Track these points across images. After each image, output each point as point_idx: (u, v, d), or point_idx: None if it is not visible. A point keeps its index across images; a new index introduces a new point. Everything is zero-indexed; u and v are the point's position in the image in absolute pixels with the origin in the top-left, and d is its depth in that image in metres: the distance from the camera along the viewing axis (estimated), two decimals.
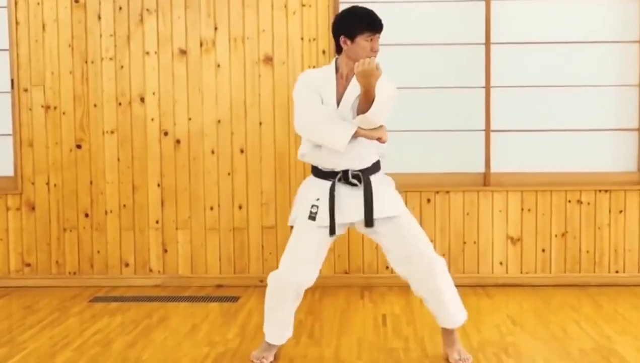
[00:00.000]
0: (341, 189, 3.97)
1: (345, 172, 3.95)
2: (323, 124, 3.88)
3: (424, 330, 4.66)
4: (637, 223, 5.75)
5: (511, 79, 5.82)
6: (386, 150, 4.07)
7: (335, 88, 3.96)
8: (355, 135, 3.84)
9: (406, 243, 3.98)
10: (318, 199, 3.98)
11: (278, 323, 4.10)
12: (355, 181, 3.95)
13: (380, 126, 3.87)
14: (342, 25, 3.93)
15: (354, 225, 4.07)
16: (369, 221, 3.94)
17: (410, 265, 4.00)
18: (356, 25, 3.88)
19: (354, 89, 3.91)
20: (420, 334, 4.59)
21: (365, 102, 3.80)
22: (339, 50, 3.98)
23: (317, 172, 4.06)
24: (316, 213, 3.96)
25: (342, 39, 3.91)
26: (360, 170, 3.96)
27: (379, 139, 3.87)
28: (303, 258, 3.99)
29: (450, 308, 4.07)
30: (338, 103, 3.93)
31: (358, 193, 3.96)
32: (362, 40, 3.88)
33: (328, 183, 3.98)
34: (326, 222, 3.95)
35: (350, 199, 3.96)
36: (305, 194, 4.06)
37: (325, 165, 4.01)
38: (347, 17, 3.94)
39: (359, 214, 3.96)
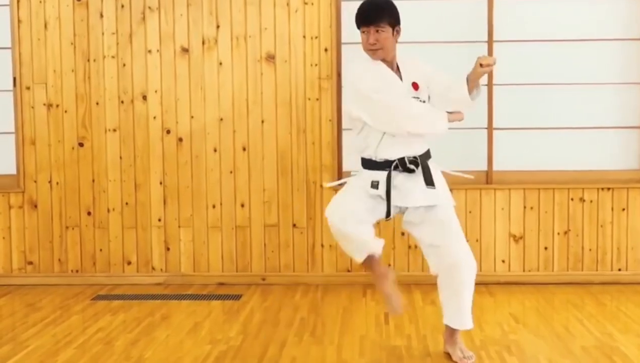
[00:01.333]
0: (398, 176, 3.91)
1: (402, 159, 3.91)
2: (421, 113, 3.90)
3: (426, 328, 4.66)
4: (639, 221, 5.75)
5: (514, 77, 5.81)
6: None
7: (397, 78, 3.97)
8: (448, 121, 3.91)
9: (445, 235, 3.97)
10: (377, 182, 3.91)
11: (360, 243, 3.95)
12: (412, 166, 3.91)
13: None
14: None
15: (404, 212, 4.02)
16: (429, 183, 3.91)
17: (442, 259, 3.98)
18: (355, 20, 3.95)
19: (407, 78, 3.97)
20: (423, 332, 4.58)
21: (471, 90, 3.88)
22: None
23: (370, 164, 3.96)
24: (377, 185, 3.89)
25: None
26: (416, 156, 3.94)
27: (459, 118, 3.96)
28: (351, 202, 3.92)
29: (463, 310, 4.05)
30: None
31: (415, 180, 3.92)
32: (361, 34, 3.93)
33: (384, 173, 3.91)
34: (384, 203, 3.90)
35: (409, 185, 3.92)
36: (361, 179, 3.98)
37: (381, 155, 3.94)
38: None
39: (420, 199, 3.92)
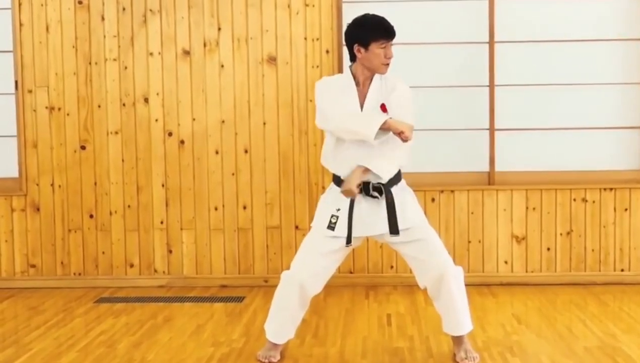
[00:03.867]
0: (362, 202, 3.95)
1: (366, 184, 3.93)
2: (353, 114, 3.91)
3: (428, 329, 4.66)
4: None
5: (515, 78, 5.81)
6: (407, 161, 4.05)
7: (357, 95, 3.97)
8: (384, 126, 3.80)
9: (423, 251, 3.99)
10: (339, 210, 3.97)
11: (279, 322, 4.12)
12: (376, 193, 3.93)
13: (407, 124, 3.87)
14: (355, 33, 3.95)
15: (374, 237, 4.09)
16: (394, 232, 3.93)
17: (427, 272, 4.01)
18: (370, 33, 3.90)
19: (374, 97, 3.95)
20: (425, 334, 4.58)
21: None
22: (352, 58, 4.00)
23: (338, 182, 4.01)
24: (335, 223, 3.96)
25: (356, 47, 3.93)
26: (380, 183, 3.95)
27: (400, 134, 3.80)
28: (312, 266, 4.02)
29: (459, 317, 4.05)
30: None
31: (379, 206, 3.95)
32: (375, 48, 3.90)
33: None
34: (344, 233, 3.95)
35: (371, 213, 3.95)
36: (327, 202, 4.05)
37: (347, 174, 3.96)
38: (360, 25, 3.96)
39: (382, 227, 3.95)
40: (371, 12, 4.05)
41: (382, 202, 3.94)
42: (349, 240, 3.95)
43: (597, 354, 4.16)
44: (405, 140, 3.83)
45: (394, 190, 3.97)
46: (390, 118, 3.84)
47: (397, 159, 3.97)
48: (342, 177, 3.97)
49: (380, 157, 3.90)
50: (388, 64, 3.96)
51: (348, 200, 3.93)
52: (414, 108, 3.99)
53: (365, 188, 3.93)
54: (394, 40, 3.96)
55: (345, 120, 3.89)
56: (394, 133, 3.83)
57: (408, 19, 5.80)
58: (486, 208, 5.79)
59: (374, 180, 3.93)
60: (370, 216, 3.96)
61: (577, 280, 5.76)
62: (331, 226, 3.96)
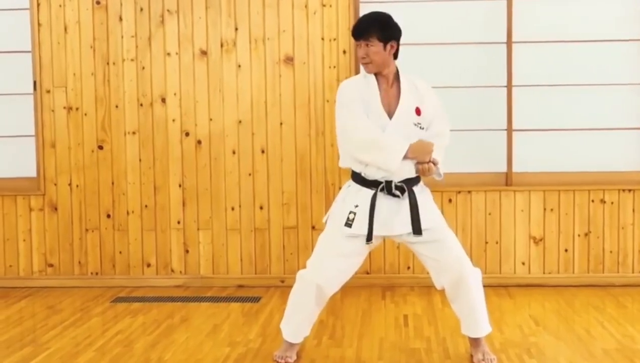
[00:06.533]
0: (383, 200, 3.93)
1: (389, 182, 3.91)
2: (374, 142, 3.87)
3: (445, 330, 4.64)
4: None
5: (533, 78, 5.79)
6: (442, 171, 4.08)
7: (379, 98, 3.95)
8: (406, 156, 3.86)
9: (441, 252, 3.97)
10: (357, 206, 3.93)
11: (296, 322, 4.11)
12: (397, 192, 3.91)
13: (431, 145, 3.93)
14: None
15: (392, 237, 4.06)
16: (417, 232, 3.90)
17: (444, 274, 3.99)
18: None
19: (407, 100, 3.94)
20: (442, 335, 4.57)
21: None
22: None
23: (359, 179, 3.99)
24: (353, 220, 3.92)
25: None
26: (403, 181, 3.93)
27: (424, 163, 3.92)
28: (330, 269, 4.00)
29: (477, 319, 4.04)
30: (389, 113, 3.93)
31: (400, 205, 3.92)
32: (357, 47, 4.00)
33: (370, 192, 3.93)
34: (363, 230, 3.91)
35: (392, 212, 3.92)
36: (344, 199, 4.02)
37: (369, 173, 3.96)
38: None
39: (403, 227, 3.92)
40: (389, 12, 4.04)
41: (403, 202, 3.92)
42: (369, 238, 3.90)
43: (616, 356, 4.13)
44: (425, 171, 3.92)
45: (415, 190, 3.96)
46: (410, 144, 3.86)
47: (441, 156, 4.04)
48: (367, 177, 3.95)
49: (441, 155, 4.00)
50: (364, 63, 3.98)
51: (368, 199, 3.90)
52: (445, 117, 4.06)
53: (388, 187, 3.91)
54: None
55: (366, 148, 3.88)
56: (419, 162, 3.92)
57: (425, 19, 5.79)
58: (503, 209, 5.76)
59: (396, 179, 3.91)
60: (391, 216, 3.93)
61: (595, 282, 5.73)
62: (348, 223, 3.92)
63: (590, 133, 5.80)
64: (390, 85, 3.99)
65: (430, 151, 3.93)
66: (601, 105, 5.80)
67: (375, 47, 3.91)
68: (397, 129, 3.90)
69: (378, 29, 3.91)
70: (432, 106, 4.02)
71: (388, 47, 3.94)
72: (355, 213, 3.92)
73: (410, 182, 3.95)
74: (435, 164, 3.94)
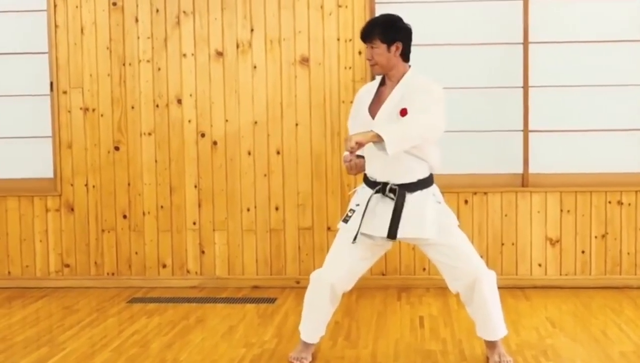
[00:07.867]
0: (379, 201, 3.95)
1: (385, 184, 3.93)
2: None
3: (461, 332, 4.63)
4: None
5: (550, 79, 5.76)
6: (438, 163, 4.02)
7: (370, 101, 4.02)
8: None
9: (453, 256, 3.96)
10: (358, 205, 4.01)
11: (312, 321, 4.13)
12: (391, 195, 3.92)
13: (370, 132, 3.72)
14: None
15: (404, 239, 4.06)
16: (392, 236, 3.90)
17: (458, 279, 3.99)
18: None
19: (393, 102, 3.92)
20: (458, 336, 4.55)
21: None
22: None
23: (365, 179, 4.07)
24: (350, 217, 4.01)
25: None
26: (399, 185, 3.92)
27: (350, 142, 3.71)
28: (340, 267, 4.03)
29: (493, 322, 4.02)
30: (373, 115, 3.96)
31: (391, 208, 3.92)
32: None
33: (369, 192, 3.98)
34: (355, 227, 3.96)
35: (382, 214, 3.92)
36: (352, 199, 4.11)
37: (370, 173, 4.02)
38: None
39: (383, 230, 3.91)
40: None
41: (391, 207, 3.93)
42: (354, 238, 3.93)
43: (633, 359, 4.11)
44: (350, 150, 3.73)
45: (416, 195, 3.93)
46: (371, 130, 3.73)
47: (411, 140, 3.77)
48: (371, 177, 4.00)
49: (396, 130, 3.74)
50: (371, 65, 4.02)
51: (366, 198, 3.95)
52: (444, 107, 3.88)
53: (383, 189, 3.93)
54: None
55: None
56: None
57: (441, 20, 5.77)
58: (520, 211, 5.74)
59: (393, 182, 3.91)
60: (380, 217, 3.93)
61: (612, 284, 5.70)
62: (346, 219, 4.02)
63: (607, 134, 5.77)
64: (394, 86, 3.98)
65: (356, 138, 3.71)
66: (618, 106, 5.76)
67: (379, 49, 3.93)
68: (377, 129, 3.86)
69: (380, 31, 3.93)
70: (420, 101, 3.84)
71: (392, 48, 3.93)
72: (354, 211, 4.01)
73: (409, 187, 3.93)
74: (352, 151, 3.74)
